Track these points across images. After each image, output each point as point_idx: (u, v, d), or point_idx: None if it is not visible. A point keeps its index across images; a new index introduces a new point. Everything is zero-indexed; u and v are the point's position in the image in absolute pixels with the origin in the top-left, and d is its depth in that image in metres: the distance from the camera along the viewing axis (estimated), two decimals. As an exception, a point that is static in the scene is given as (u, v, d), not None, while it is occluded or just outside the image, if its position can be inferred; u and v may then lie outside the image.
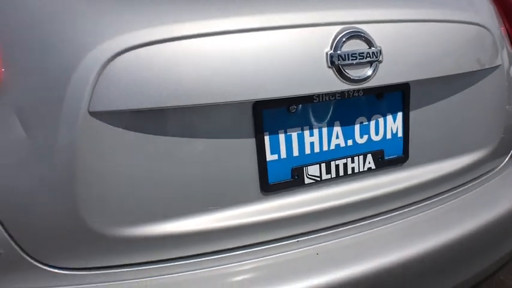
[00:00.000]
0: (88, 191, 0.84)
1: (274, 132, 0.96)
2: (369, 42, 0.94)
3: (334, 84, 0.91)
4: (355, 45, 0.92)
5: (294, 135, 0.99)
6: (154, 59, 0.81)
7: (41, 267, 0.90)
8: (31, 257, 0.89)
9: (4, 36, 0.83)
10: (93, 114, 0.80)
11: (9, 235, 0.86)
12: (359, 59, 0.92)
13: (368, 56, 0.93)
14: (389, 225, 1.13)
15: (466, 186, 1.25)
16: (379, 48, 0.95)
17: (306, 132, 1.00)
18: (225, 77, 0.85)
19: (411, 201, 1.17)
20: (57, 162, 0.82)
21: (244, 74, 0.86)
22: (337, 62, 0.90)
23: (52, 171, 0.82)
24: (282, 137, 0.97)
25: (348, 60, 0.91)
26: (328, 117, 1.02)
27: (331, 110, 1.01)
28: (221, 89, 0.85)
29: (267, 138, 0.96)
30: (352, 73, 0.92)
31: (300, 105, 0.97)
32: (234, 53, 0.86)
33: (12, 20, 0.83)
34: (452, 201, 1.21)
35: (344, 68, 0.91)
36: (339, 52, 0.90)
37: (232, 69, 0.86)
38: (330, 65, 0.90)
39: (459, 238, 1.12)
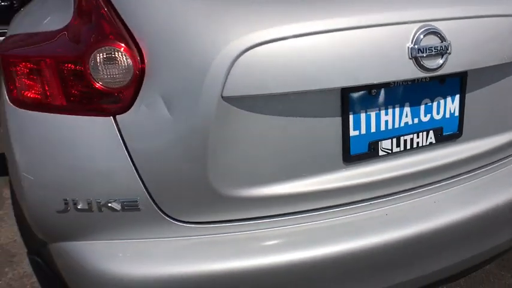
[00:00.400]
0: (217, 161, 1.08)
1: (357, 112, 1.19)
2: (441, 37, 1.16)
3: (413, 72, 1.14)
4: (431, 40, 1.14)
5: (373, 114, 1.22)
6: (274, 54, 1.04)
7: (170, 221, 1.15)
8: (164, 213, 1.14)
9: (148, 33, 1.06)
10: (225, 98, 1.04)
11: (150, 196, 1.11)
12: (434, 51, 1.14)
13: (441, 49, 1.15)
14: (445, 191, 1.37)
15: (510, 158, 1.49)
16: (449, 42, 1.17)
17: (382, 112, 1.23)
18: (325, 68, 1.08)
19: (463, 171, 1.40)
20: (194, 138, 1.06)
21: (341, 66, 1.09)
22: (416, 55, 1.13)
23: (189, 145, 1.06)
24: (363, 115, 1.21)
25: (425, 53, 1.13)
26: (400, 99, 1.24)
27: (403, 93, 1.24)
28: (322, 78, 1.08)
29: (351, 117, 1.19)
30: (428, 63, 1.15)
31: (379, 89, 1.20)
32: (333, 49, 1.08)
33: (155, 19, 1.06)
34: (499, 170, 1.45)
35: (421, 59, 1.14)
36: (417, 46, 1.13)
37: (332, 61, 1.08)
38: (410, 57, 1.13)
39: (506, 202, 1.36)
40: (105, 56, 1.04)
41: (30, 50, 1.13)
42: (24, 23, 1.35)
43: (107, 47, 1.04)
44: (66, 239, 1.19)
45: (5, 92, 1.18)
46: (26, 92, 1.11)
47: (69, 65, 1.05)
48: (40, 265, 1.38)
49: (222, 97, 1.03)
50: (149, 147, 1.07)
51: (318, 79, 1.08)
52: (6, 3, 2.40)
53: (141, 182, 1.09)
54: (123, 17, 1.07)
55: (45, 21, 1.25)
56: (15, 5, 2.43)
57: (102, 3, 1.09)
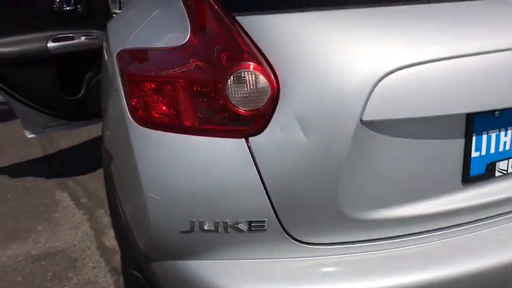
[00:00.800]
0: (347, 183, 1.10)
1: (479, 133, 1.20)
2: None
3: (542, 95, 1.14)
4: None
5: (493, 135, 1.23)
6: (411, 79, 1.05)
7: (293, 242, 1.17)
8: (288, 234, 1.15)
9: (282, 54, 1.07)
10: (364, 122, 1.05)
11: (277, 217, 1.12)
12: None
13: None
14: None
15: None
16: None
17: (502, 133, 1.23)
18: (459, 93, 1.09)
19: None
20: (328, 161, 1.07)
21: (472, 91, 1.10)
22: (547, 78, 1.13)
23: (323, 168, 1.08)
24: (484, 137, 1.21)
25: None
26: (519, 120, 1.25)
27: (522, 113, 1.25)
28: (456, 103, 1.09)
29: (474, 139, 1.20)
30: (556, 87, 1.15)
31: (502, 111, 1.21)
32: (467, 74, 1.09)
33: (289, 39, 1.07)
34: None
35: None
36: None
37: (465, 86, 1.09)
38: (540, 80, 1.13)
39: None
40: (241, 78, 1.05)
41: (158, 69, 1.13)
42: (131, 36, 1.36)
43: (243, 70, 1.05)
44: (182, 258, 1.21)
45: (126, 109, 1.19)
46: (153, 112, 1.12)
47: (204, 87, 1.06)
48: (140, 280, 1.41)
49: (361, 121, 1.04)
50: (280, 170, 1.08)
51: (453, 104, 1.09)
52: (70, 8, 2.43)
53: (269, 204, 1.10)
54: (254, 37, 1.08)
55: (157, 36, 1.26)
56: (79, 10, 2.46)
57: (229, 22, 1.09)
